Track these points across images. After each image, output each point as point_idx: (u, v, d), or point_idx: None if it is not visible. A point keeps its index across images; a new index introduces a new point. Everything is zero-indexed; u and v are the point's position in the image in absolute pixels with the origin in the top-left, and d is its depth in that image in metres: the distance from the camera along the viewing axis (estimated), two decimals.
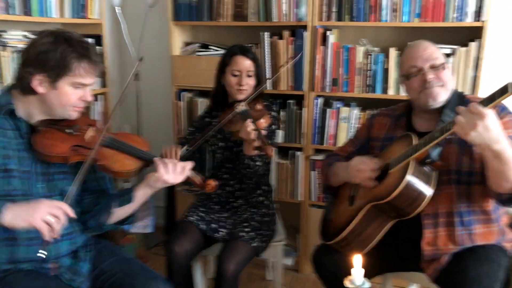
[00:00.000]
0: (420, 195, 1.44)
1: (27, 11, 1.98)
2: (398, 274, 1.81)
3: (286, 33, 2.42)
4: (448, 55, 2.19)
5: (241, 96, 2.01)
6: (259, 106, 1.99)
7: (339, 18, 2.33)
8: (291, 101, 2.52)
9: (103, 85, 2.50)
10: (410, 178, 1.43)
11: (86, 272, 1.48)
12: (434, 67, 1.56)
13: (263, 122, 1.86)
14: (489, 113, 1.26)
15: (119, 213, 1.50)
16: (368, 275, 1.74)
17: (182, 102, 2.68)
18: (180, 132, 2.70)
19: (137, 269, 1.51)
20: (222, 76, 2.06)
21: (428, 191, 1.44)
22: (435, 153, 1.47)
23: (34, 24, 2.17)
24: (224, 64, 2.04)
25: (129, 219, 1.55)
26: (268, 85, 2.49)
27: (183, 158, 1.76)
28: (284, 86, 2.49)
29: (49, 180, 1.43)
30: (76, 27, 2.45)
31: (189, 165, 1.47)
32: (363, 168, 1.58)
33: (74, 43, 1.34)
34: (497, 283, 1.43)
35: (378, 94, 2.35)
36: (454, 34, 2.28)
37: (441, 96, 1.56)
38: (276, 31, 2.47)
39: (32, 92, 1.34)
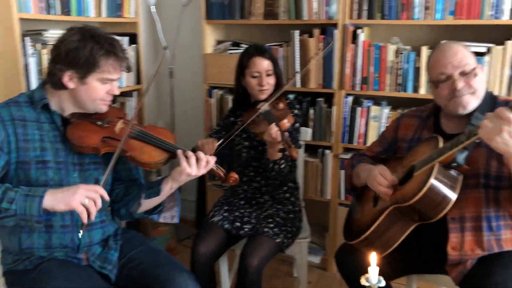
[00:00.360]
0: (443, 199, 1.41)
1: (66, 11, 2.08)
2: (423, 276, 1.79)
3: (316, 31, 2.42)
4: (483, 54, 2.13)
5: (263, 96, 2.03)
6: (281, 105, 2.00)
7: (370, 16, 2.30)
8: (320, 99, 2.52)
9: (138, 81, 2.58)
10: (433, 182, 1.41)
11: (115, 260, 1.55)
12: (464, 74, 1.50)
13: (286, 122, 1.87)
14: None
15: (148, 203, 1.56)
16: (392, 276, 1.77)
17: (213, 99, 2.73)
18: (211, 128, 2.76)
19: (163, 260, 1.56)
20: (241, 78, 2.08)
21: (452, 195, 1.41)
22: (461, 157, 1.43)
23: (74, 23, 2.28)
24: (242, 67, 2.06)
25: (157, 209, 1.60)
26: (297, 79, 2.50)
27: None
28: (314, 84, 2.50)
29: (83, 170, 1.51)
30: (112, 26, 2.55)
31: (213, 160, 1.51)
32: (381, 182, 1.56)
33: (101, 40, 1.40)
34: None
35: (409, 93, 2.31)
36: (490, 32, 2.21)
37: (472, 104, 1.51)
38: (307, 29, 2.47)
39: (63, 87, 1.41)
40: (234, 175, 1.56)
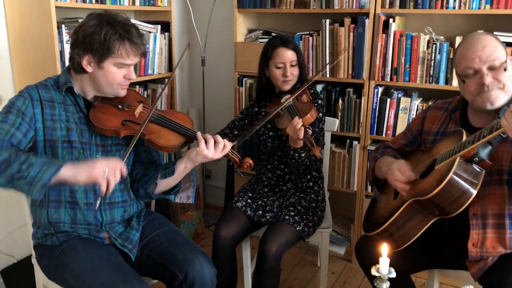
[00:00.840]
0: (463, 194, 1.37)
1: (102, 0, 2.15)
2: (445, 271, 1.76)
3: (347, 20, 2.39)
4: None
5: (287, 87, 2.04)
6: (305, 98, 2.00)
7: (403, 5, 2.25)
8: (350, 89, 2.49)
9: (170, 69, 2.64)
10: (453, 176, 1.37)
11: (136, 240, 1.62)
12: (492, 68, 1.44)
13: (309, 117, 1.87)
14: None
15: (164, 184, 1.62)
16: (412, 269, 1.75)
17: (243, 87, 2.76)
18: None
19: (182, 241, 1.62)
20: (265, 69, 2.10)
21: (472, 191, 1.37)
22: (484, 152, 1.38)
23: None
24: (266, 58, 2.06)
25: (174, 190, 1.66)
26: (327, 71, 2.49)
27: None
28: (343, 74, 2.47)
29: (106, 151, 1.57)
30: (146, 14, 2.61)
31: (229, 145, 1.54)
32: (398, 178, 1.53)
33: (116, 25, 1.43)
34: None
35: (440, 85, 2.25)
36: None
37: (500, 100, 1.45)
38: (338, 18, 2.44)
39: (83, 71, 1.47)
40: (249, 161, 1.58)
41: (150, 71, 2.49)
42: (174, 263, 1.54)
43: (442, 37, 2.25)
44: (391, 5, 2.27)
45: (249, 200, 2.03)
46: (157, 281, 1.69)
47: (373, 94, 2.41)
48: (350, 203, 2.66)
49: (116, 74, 1.47)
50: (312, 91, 2.12)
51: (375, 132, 2.46)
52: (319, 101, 2.08)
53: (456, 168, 1.38)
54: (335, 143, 2.63)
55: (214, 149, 1.51)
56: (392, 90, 2.43)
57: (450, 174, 1.37)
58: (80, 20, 2.08)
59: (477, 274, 1.48)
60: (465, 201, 1.38)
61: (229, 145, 1.53)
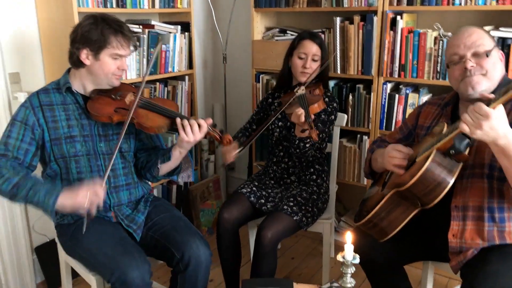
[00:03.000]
0: (439, 185, 1.43)
1: (122, 4, 2.34)
2: (439, 264, 1.80)
3: (356, 18, 2.45)
4: None
5: (303, 78, 2.14)
6: (317, 91, 2.09)
7: (410, 3, 2.28)
8: (360, 85, 2.55)
9: (190, 66, 2.81)
10: (429, 167, 1.43)
11: (141, 222, 1.80)
12: (476, 55, 1.50)
13: (316, 107, 1.97)
14: (494, 113, 1.23)
15: (166, 167, 1.81)
16: (405, 260, 1.81)
17: (260, 84, 2.88)
18: None
19: (182, 225, 1.78)
20: (289, 59, 2.20)
21: (447, 182, 1.42)
22: (461, 145, 1.43)
23: (129, 15, 2.55)
24: (292, 48, 2.18)
25: (176, 170, 1.86)
26: (338, 67, 2.55)
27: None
28: (354, 71, 2.53)
29: (108, 140, 1.76)
30: (169, 15, 2.79)
31: (204, 123, 1.68)
32: (395, 155, 1.61)
33: (110, 22, 1.64)
34: None
35: (447, 81, 2.25)
36: None
37: (482, 85, 1.50)
38: (350, 16, 2.50)
39: (82, 65, 1.66)
40: (229, 137, 1.75)
41: (170, 69, 2.66)
42: (173, 244, 1.71)
43: (450, 33, 2.26)
44: (399, 2, 2.31)
45: (254, 188, 2.15)
46: (162, 262, 1.86)
47: (381, 90, 2.45)
48: (360, 197, 2.69)
49: (111, 65, 1.66)
50: (329, 94, 2.21)
51: (384, 127, 2.50)
52: (334, 104, 2.17)
53: (431, 160, 1.44)
54: (346, 138, 2.69)
55: (192, 132, 1.66)
56: (401, 86, 2.46)
57: (425, 166, 1.43)
58: None
59: (456, 267, 1.53)
60: (440, 192, 1.43)
61: (204, 123, 1.68)
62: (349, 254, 1.30)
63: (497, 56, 1.53)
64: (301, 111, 1.87)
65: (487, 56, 1.49)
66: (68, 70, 1.76)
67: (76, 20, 2.05)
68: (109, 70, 1.67)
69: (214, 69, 3.38)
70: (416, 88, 2.48)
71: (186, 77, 2.80)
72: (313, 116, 1.90)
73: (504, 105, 1.28)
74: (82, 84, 1.73)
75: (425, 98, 2.37)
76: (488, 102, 1.27)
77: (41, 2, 2.19)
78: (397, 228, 1.62)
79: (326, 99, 2.13)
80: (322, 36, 2.57)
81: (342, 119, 2.39)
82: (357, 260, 1.31)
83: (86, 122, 1.73)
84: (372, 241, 1.71)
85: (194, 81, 2.84)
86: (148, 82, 2.59)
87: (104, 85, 1.73)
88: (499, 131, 1.26)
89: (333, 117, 2.16)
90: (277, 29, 2.84)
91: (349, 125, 2.60)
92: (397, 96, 2.42)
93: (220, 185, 3.15)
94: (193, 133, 1.66)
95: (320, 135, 2.10)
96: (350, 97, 2.57)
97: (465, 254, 1.51)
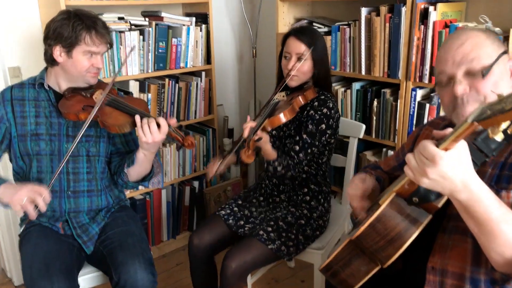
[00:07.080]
0: (396, 238, 1.07)
1: None
2: None
3: (383, 9, 2.03)
4: None
5: (291, 83, 1.83)
6: (301, 100, 1.75)
7: None
8: (386, 90, 2.13)
9: (208, 62, 2.61)
10: (381, 214, 1.07)
11: (94, 234, 1.67)
12: (470, 74, 1.06)
13: (274, 119, 1.67)
14: (445, 156, 0.84)
15: (136, 172, 1.66)
16: None
17: None
18: None
19: (129, 244, 1.61)
20: (281, 59, 1.90)
21: (408, 235, 1.05)
22: (429, 191, 1.04)
23: (133, 7, 2.43)
24: (282, 47, 1.87)
25: (147, 177, 1.70)
26: (363, 67, 2.16)
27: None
28: (379, 72, 2.12)
29: (77, 142, 1.64)
30: (185, 6, 2.62)
31: (164, 123, 1.50)
32: (352, 193, 1.26)
33: (83, 18, 1.54)
34: None
35: None
36: None
37: None
38: (378, 6, 2.09)
39: (55, 62, 1.58)
40: (191, 139, 1.56)
41: (182, 64, 2.49)
42: (114, 264, 1.55)
43: (498, 29, 1.75)
44: None
45: (235, 208, 1.90)
46: None
47: (410, 97, 2.01)
48: None
49: (84, 62, 1.56)
50: (322, 97, 1.83)
51: None
52: (324, 110, 1.79)
53: (387, 205, 1.08)
54: (372, 151, 2.29)
55: (150, 132, 1.49)
56: (433, 94, 2.00)
57: (377, 212, 1.08)
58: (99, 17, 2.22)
59: None
60: (396, 248, 1.07)
61: (164, 123, 1.49)
62: None
63: (504, 70, 1.08)
64: (248, 124, 1.64)
65: (483, 75, 1.05)
66: (46, 67, 1.69)
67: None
68: (82, 68, 1.58)
69: (242, 64, 3.14)
70: None
71: (203, 73, 2.60)
72: (258, 135, 1.64)
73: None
74: (56, 80, 1.66)
75: None
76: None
77: None
78: (357, 284, 1.27)
79: (316, 104, 1.78)
80: (347, 30, 2.19)
81: (360, 129, 2.01)
82: None
83: (56, 121, 1.65)
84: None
85: (213, 77, 2.64)
86: (156, 78, 2.45)
87: (80, 83, 1.65)
88: (456, 181, 0.88)
89: (323, 126, 1.77)
90: (305, 21, 2.51)
91: (373, 136, 2.20)
92: (427, 105, 1.97)
93: (241, 189, 2.93)
94: (151, 132, 1.49)
95: (309, 150, 1.77)
96: (375, 103, 2.16)
97: None
